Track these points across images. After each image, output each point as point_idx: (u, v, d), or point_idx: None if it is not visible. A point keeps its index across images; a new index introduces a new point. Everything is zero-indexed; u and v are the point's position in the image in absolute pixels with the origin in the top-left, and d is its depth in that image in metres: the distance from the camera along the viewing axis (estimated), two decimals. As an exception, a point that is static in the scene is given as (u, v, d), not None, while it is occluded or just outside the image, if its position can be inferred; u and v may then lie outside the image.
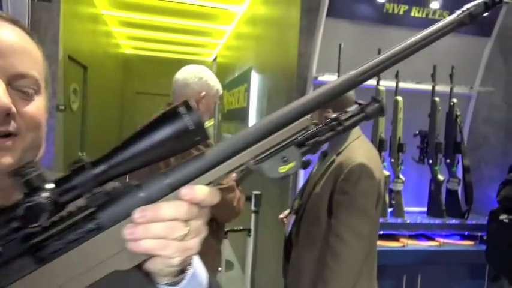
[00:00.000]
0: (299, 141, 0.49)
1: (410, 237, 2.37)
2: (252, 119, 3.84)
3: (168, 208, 0.41)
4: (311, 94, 0.50)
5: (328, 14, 2.43)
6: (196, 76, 1.73)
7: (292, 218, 1.73)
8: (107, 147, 0.43)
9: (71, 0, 3.76)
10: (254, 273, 2.65)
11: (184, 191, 0.42)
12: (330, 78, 2.44)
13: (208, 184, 0.45)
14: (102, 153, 0.42)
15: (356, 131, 1.72)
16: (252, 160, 0.48)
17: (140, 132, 0.42)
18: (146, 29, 6.20)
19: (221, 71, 6.51)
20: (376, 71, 0.51)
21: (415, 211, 2.66)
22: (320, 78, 2.49)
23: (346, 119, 0.52)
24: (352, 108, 0.53)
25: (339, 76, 2.52)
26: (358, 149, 1.64)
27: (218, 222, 1.71)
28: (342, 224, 1.53)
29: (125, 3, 4.93)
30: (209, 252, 1.67)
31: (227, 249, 2.88)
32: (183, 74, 1.75)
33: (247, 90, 4.01)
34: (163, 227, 0.41)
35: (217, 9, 5.00)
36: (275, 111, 0.50)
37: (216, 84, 1.81)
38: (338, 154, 1.64)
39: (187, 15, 5.30)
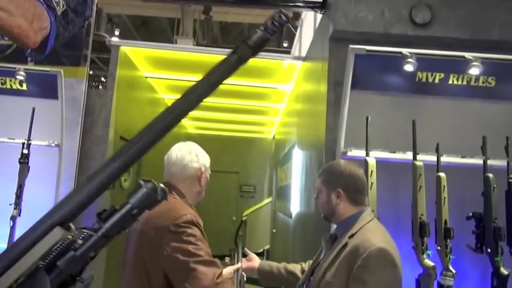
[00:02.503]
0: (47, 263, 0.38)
1: None
2: (295, 198, 3.64)
3: None
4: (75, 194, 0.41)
5: (354, 87, 2.30)
6: (192, 153, 1.67)
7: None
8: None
9: (129, 87, 4.10)
10: None
11: None
12: (358, 154, 2.23)
13: None
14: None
15: (368, 213, 1.54)
16: None
17: None
18: (206, 110, 6.53)
19: (277, 147, 6.51)
20: None
21: (476, 313, 2.16)
22: (349, 154, 2.29)
23: (107, 218, 0.39)
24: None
25: (367, 152, 2.30)
26: (374, 232, 1.47)
27: None
28: None
29: (181, 88, 5.29)
30: None
31: None
32: (178, 154, 1.67)
33: (291, 167, 3.88)
34: None
35: (268, 88, 5.14)
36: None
37: (207, 156, 1.74)
38: (351, 237, 1.45)
39: (244, 96, 5.51)
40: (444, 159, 2.20)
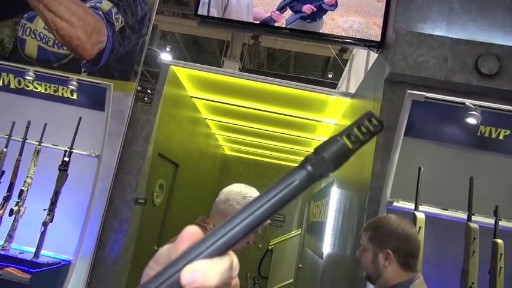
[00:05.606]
0: None
1: None
2: (328, 238, 3.46)
3: None
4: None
5: (408, 133, 2.16)
6: (241, 194, 1.58)
7: None
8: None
9: (173, 105, 4.13)
10: None
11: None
12: (406, 206, 2.07)
13: None
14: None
15: (420, 282, 1.35)
16: None
17: None
18: (245, 134, 6.51)
19: (313, 180, 6.33)
20: None
21: None
22: (395, 204, 2.13)
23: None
24: None
25: (416, 206, 2.11)
26: None
27: None
28: None
29: (224, 110, 5.30)
30: None
31: None
32: (227, 189, 1.63)
33: (327, 204, 3.72)
34: None
35: (311, 121, 5.04)
36: None
37: None
38: None
39: (284, 125, 5.44)
40: (503, 223, 1.99)
